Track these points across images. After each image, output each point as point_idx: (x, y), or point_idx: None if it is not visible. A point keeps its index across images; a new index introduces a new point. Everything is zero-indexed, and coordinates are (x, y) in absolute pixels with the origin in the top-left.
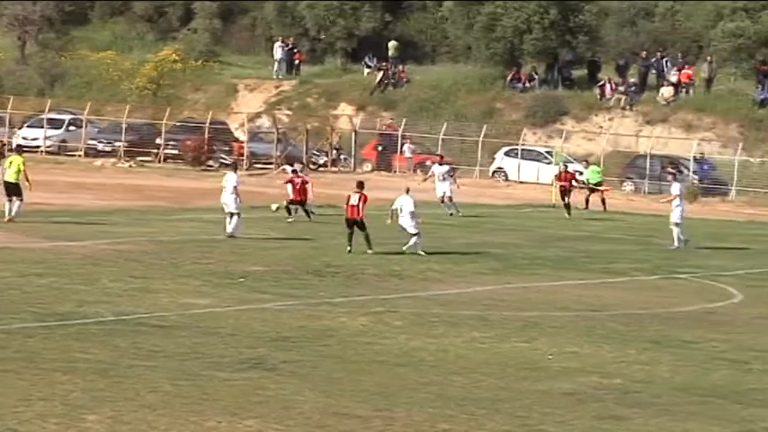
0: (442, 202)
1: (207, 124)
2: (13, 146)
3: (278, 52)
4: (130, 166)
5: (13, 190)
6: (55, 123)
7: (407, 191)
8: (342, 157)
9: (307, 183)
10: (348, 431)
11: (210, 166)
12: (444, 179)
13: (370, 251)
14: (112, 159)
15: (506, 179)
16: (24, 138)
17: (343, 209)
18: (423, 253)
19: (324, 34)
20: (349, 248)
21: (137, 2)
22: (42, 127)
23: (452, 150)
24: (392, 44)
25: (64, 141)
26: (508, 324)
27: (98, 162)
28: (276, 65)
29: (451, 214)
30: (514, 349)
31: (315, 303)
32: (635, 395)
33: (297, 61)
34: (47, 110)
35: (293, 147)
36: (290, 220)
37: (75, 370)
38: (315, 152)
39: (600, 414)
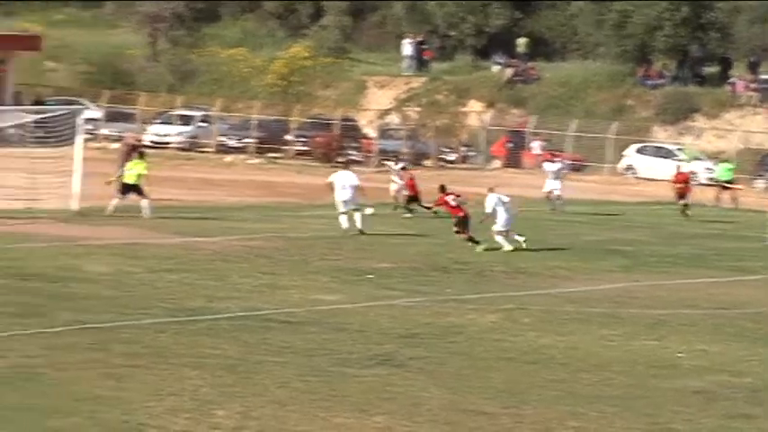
0: (548, 198)
1: (337, 121)
2: (145, 143)
3: (407, 49)
4: (260, 163)
5: (130, 189)
6: (185, 120)
7: (491, 189)
8: (471, 154)
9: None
10: (476, 428)
11: (340, 163)
12: (556, 177)
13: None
14: (242, 156)
15: (636, 176)
16: (155, 134)
17: (463, 209)
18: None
19: (454, 31)
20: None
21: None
22: (173, 123)
23: (582, 147)
24: (522, 41)
25: (194, 138)
26: (637, 322)
27: (228, 158)
28: (406, 62)
29: (553, 209)
30: (644, 347)
31: (442, 300)
32: (765, 394)
33: (426, 58)
34: (178, 106)
35: (422, 144)
36: (407, 215)
37: (205, 365)
38: (444, 149)
39: (729, 413)
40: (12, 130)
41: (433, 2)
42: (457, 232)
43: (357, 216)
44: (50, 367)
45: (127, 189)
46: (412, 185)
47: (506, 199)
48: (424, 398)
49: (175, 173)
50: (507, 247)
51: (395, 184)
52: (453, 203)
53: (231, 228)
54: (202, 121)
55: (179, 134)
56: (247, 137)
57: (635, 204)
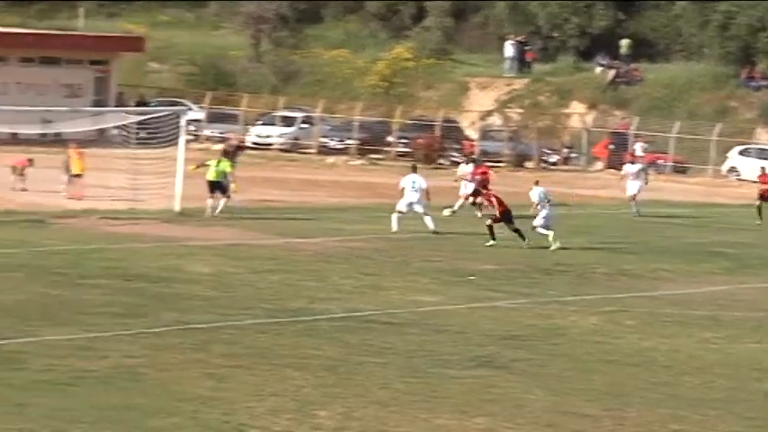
0: (632, 200)
1: (438, 122)
2: (248, 143)
3: (510, 50)
4: (362, 164)
5: (216, 187)
6: (288, 121)
7: (537, 182)
8: (573, 155)
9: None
10: (578, 430)
11: (442, 164)
12: (636, 178)
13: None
14: (344, 157)
15: (739, 178)
16: (258, 135)
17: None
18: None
19: (556, 32)
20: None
21: (370, 1)
22: (275, 124)
23: (685, 149)
24: (625, 42)
25: (296, 139)
26: (741, 325)
27: (330, 159)
28: (508, 63)
29: (638, 213)
30: (747, 350)
31: (544, 302)
32: None
33: (529, 59)
34: (280, 107)
35: (524, 145)
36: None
37: (307, 366)
38: (546, 150)
39: None
40: (115, 131)
41: (535, 2)
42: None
43: (428, 219)
44: (152, 367)
45: (213, 187)
46: (484, 177)
47: (550, 196)
48: (526, 400)
49: (277, 174)
50: (523, 243)
51: (464, 189)
52: (497, 198)
53: (333, 229)
54: (304, 123)
55: (281, 135)
56: (349, 138)
57: (738, 207)
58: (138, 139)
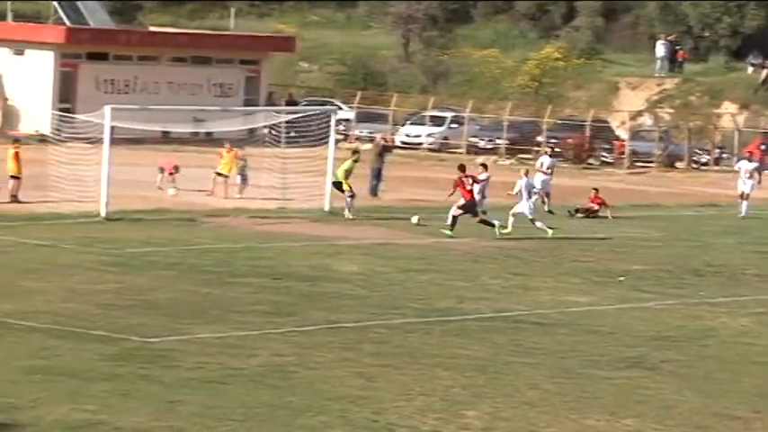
0: (741, 198)
1: (588, 122)
2: (396, 143)
3: (660, 50)
4: (511, 164)
5: (336, 187)
6: (437, 121)
7: (527, 173)
8: (724, 155)
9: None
10: None
11: (592, 164)
12: (750, 176)
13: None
14: (494, 157)
15: None
16: (407, 135)
17: None
18: None
19: (708, 32)
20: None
21: (520, 0)
22: (425, 124)
23: None
24: None
25: (446, 139)
26: None
27: (479, 159)
28: (658, 63)
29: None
30: None
31: (695, 303)
32: None
33: (680, 59)
34: (429, 107)
35: (675, 145)
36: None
37: (455, 366)
38: (697, 151)
39: None
40: (265, 131)
41: (687, 2)
42: (460, 214)
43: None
44: (301, 366)
45: (335, 186)
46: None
47: (537, 187)
48: (676, 401)
49: (427, 173)
50: (507, 229)
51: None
52: (469, 187)
53: (482, 228)
54: (453, 122)
55: (430, 135)
56: (498, 138)
57: None
58: (288, 138)
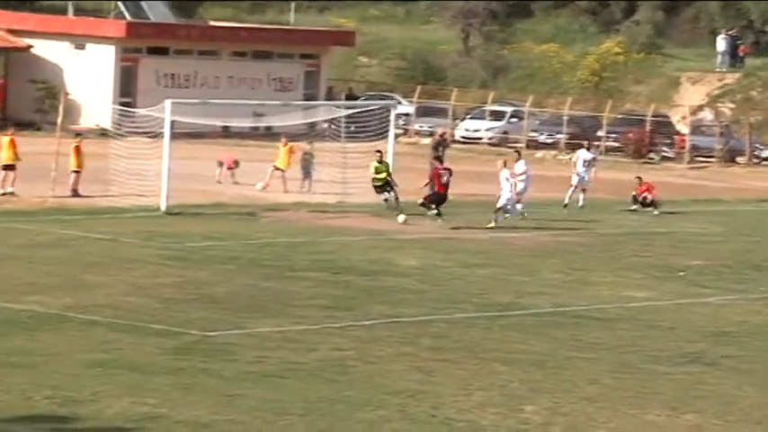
0: None
1: (649, 117)
2: (456, 137)
3: (721, 45)
4: (571, 159)
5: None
6: (497, 115)
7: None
8: None
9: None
10: None
11: (652, 159)
12: None
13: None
14: (553, 152)
15: None
16: (466, 129)
17: None
18: None
19: None
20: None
21: None
22: (484, 119)
23: None
24: None
25: (505, 133)
26: None
27: (539, 154)
28: (719, 57)
29: None
30: None
31: (755, 298)
32: None
33: (741, 54)
34: (489, 102)
35: (736, 140)
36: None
37: (514, 361)
38: (758, 146)
39: None
40: (325, 125)
41: None
42: (422, 204)
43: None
44: (361, 360)
45: (381, 189)
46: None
47: (512, 180)
48: (737, 397)
49: (486, 168)
50: (491, 224)
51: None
52: (444, 180)
53: (541, 223)
54: (513, 117)
55: (490, 129)
56: (559, 132)
57: None
58: (347, 132)
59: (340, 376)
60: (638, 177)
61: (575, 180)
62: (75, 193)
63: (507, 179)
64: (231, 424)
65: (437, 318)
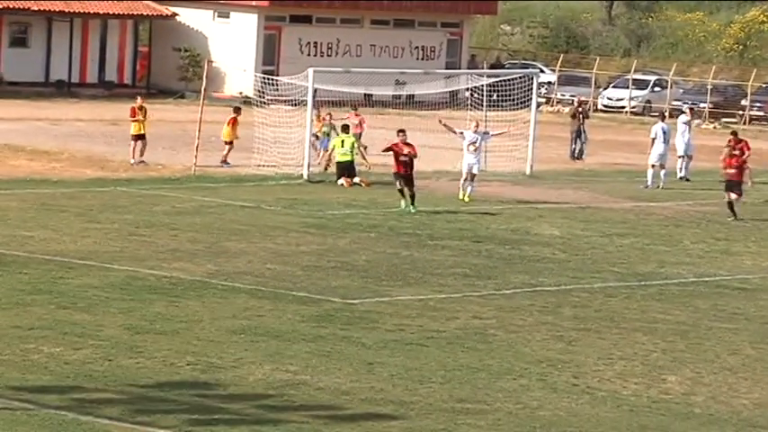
0: None
1: None
2: (599, 106)
3: None
4: (714, 128)
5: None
6: (640, 84)
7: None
8: None
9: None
10: None
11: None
12: None
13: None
14: (697, 120)
15: None
16: (609, 98)
17: None
18: None
19: None
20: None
21: None
22: (627, 88)
23: None
24: None
25: (648, 102)
26: None
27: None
28: None
29: None
30: None
31: None
32: None
33: None
34: (632, 71)
35: None
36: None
37: (655, 331)
38: None
39: None
40: (466, 94)
41: None
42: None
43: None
44: (501, 329)
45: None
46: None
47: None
48: None
49: (629, 137)
50: (461, 194)
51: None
52: (403, 158)
53: (684, 193)
54: (656, 86)
55: (633, 98)
56: (702, 101)
57: None
58: (489, 101)
59: (480, 345)
60: (733, 133)
61: (681, 149)
62: (225, 163)
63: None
64: (371, 391)
65: (578, 287)
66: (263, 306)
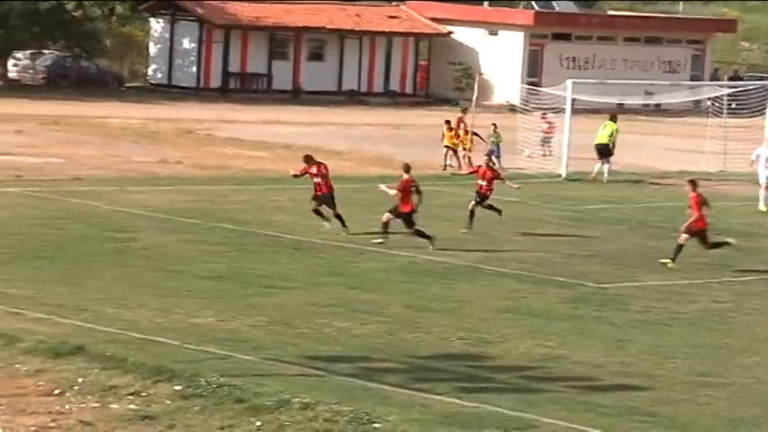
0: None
1: None
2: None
3: None
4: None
5: (603, 152)
6: None
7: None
8: None
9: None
10: None
11: None
12: None
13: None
14: None
15: None
16: None
17: None
18: None
19: None
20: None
21: None
22: None
23: None
24: None
25: None
26: None
27: None
28: None
29: None
30: None
31: None
32: None
33: None
34: None
35: None
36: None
37: None
38: None
39: None
40: (708, 103)
41: None
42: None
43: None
44: (738, 312)
45: (600, 152)
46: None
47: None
48: None
49: None
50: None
51: None
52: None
53: None
54: None
55: None
56: None
57: None
58: (729, 109)
59: (720, 325)
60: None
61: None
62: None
63: None
64: (622, 365)
65: None
66: (526, 289)
